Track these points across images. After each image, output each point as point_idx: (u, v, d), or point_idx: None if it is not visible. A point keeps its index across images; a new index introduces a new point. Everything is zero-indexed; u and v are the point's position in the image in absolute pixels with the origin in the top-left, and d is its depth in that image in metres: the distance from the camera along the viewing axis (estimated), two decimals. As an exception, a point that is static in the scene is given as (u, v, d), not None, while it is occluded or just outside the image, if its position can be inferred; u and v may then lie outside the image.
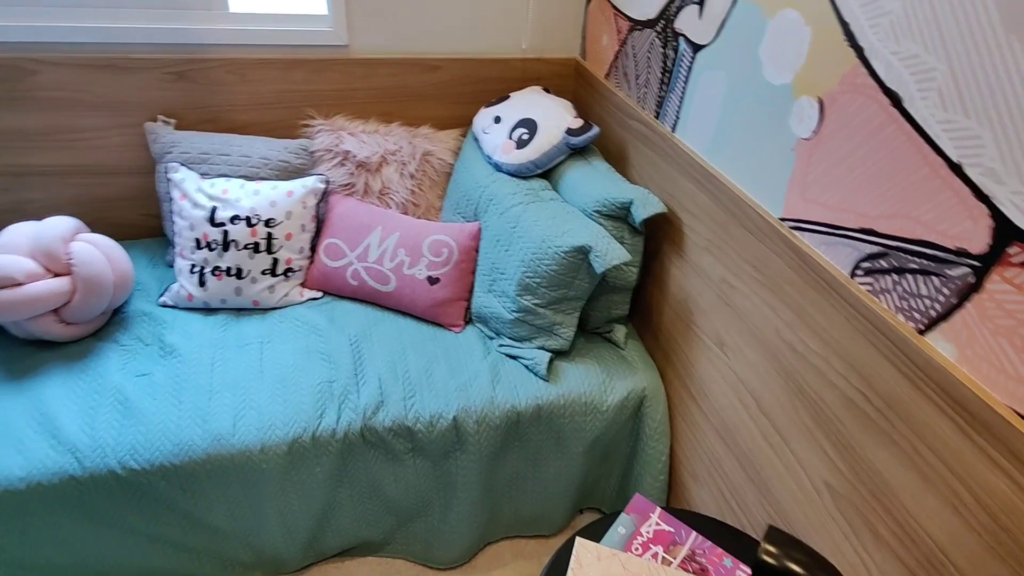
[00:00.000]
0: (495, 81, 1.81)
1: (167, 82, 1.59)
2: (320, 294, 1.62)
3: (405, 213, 1.72)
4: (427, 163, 1.74)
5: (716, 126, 1.24)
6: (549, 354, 1.41)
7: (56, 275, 1.33)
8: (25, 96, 1.51)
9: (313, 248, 1.62)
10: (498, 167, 1.59)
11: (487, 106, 1.72)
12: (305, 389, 1.31)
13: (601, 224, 1.39)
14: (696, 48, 1.28)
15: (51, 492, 1.12)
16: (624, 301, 1.49)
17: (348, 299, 1.61)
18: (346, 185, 1.69)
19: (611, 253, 1.28)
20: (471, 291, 1.58)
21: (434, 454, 1.33)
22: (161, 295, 1.54)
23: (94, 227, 1.74)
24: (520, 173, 1.55)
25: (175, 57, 1.56)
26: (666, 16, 1.38)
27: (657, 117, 1.46)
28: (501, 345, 1.48)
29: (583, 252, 1.32)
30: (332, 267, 1.59)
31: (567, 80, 1.88)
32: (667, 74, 1.40)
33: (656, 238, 1.48)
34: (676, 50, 1.35)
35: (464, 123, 1.85)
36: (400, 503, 1.39)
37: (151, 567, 1.29)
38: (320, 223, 1.64)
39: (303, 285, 1.61)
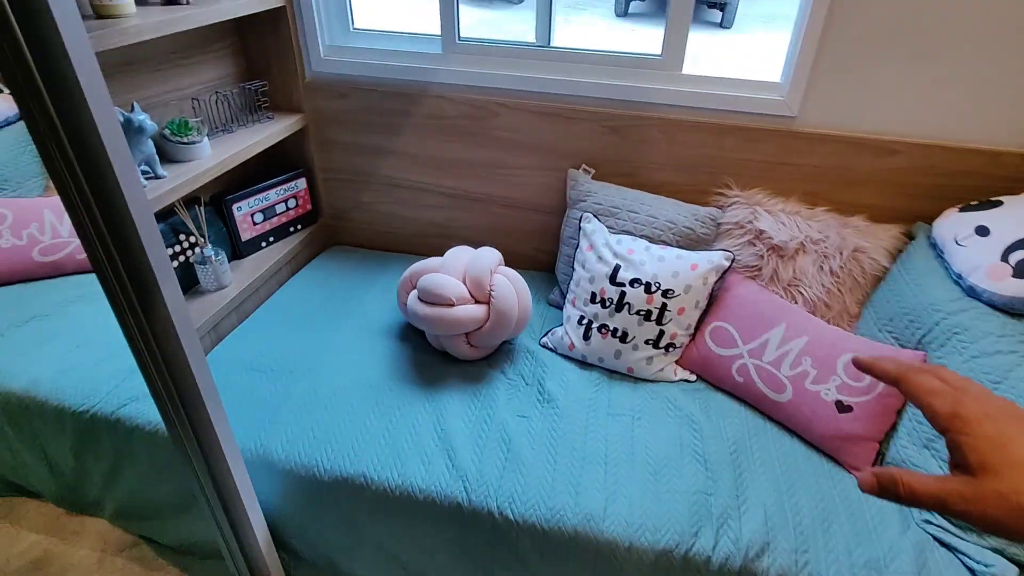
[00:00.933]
0: (971, 176, 1.44)
1: (599, 134, 1.63)
2: (694, 377, 1.48)
3: (812, 313, 1.48)
4: (855, 261, 1.46)
5: None
6: (1015, 568, 1.03)
7: (477, 302, 1.44)
8: (485, 133, 1.70)
9: (697, 327, 1.50)
10: (973, 292, 1.23)
11: (963, 208, 1.36)
12: (680, 493, 1.18)
13: None
14: None
15: (439, 510, 1.19)
16: None
17: (724, 392, 1.44)
18: (751, 267, 1.52)
19: None
20: (889, 434, 1.26)
21: (817, 632, 1.07)
22: (544, 335, 1.58)
23: (496, 252, 1.91)
24: (1012, 309, 1.17)
25: (615, 112, 1.59)
26: None
27: None
28: (928, 521, 1.14)
29: None
30: (717, 354, 1.43)
31: (1081, 187, 1.40)
32: None
33: None
34: None
35: (907, 219, 1.52)
36: (749, 662, 1.16)
37: (484, 603, 1.31)
38: (710, 301, 1.51)
39: (678, 363, 1.50)
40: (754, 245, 1.52)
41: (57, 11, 0.65)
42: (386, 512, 1.22)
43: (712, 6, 6.18)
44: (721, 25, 6.09)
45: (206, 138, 1.51)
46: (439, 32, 1.66)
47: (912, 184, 1.49)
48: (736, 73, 1.52)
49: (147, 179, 1.36)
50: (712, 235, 1.57)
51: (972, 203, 1.37)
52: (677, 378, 1.48)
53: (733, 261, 1.50)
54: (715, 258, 1.46)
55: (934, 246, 1.38)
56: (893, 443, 1.24)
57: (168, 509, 1.44)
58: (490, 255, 1.49)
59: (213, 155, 1.51)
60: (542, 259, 1.89)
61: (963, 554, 1.07)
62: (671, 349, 1.47)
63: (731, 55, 5.21)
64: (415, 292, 1.47)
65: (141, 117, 1.29)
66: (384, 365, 1.47)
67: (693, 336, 1.50)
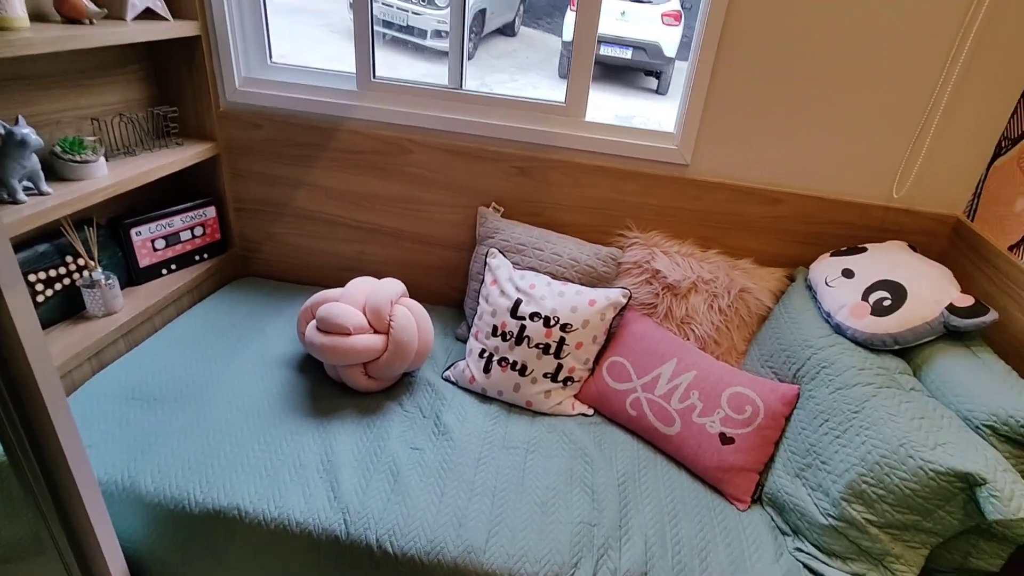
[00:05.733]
0: (844, 226, 1.56)
1: (508, 175, 1.69)
2: (591, 411, 1.50)
3: (703, 349, 1.54)
4: (741, 300, 1.54)
5: None
6: (874, 593, 1.06)
7: (376, 332, 1.43)
8: (397, 169, 1.73)
9: (596, 362, 1.53)
10: (839, 329, 1.32)
11: (834, 254, 1.47)
12: (563, 524, 1.17)
13: (993, 446, 1.02)
14: None
15: (316, 543, 1.14)
16: (998, 554, 1.07)
17: (619, 426, 1.46)
18: (647, 304, 1.58)
19: (1019, 498, 0.92)
20: (768, 465, 1.31)
21: (692, 665, 1.07)
22: (446, 369, 1.58)
23: (407, 288, 1.91)
24: (870, 344, 1.26)
25: (523, 154, 1.65)
26: None
27: (1106, 321, 1.06)
28: (799, 549, 1.17)
29: (967, 482, 0.97)
30: (612, 388, 1.46)
31: (937, 239, 1.54)
32: None
33: (1072, 484, 1.04)
34: None
35: (790, 263, 1.63)
36: None
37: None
38: (609, 337, 1.55)
39: (576, 397, 1.52)
40: (650, 284, 1.58)
41: None
42: (260, 546, 1.16)
43: (649, 74, 6.67)
44: (657, 91, 6.51)
45: (103, 158, 1.47)
46: (355, 71, 1.70)
47: (793, 231, 1.60)
48: (633, 122, 1.62)
49: (29, 195, 1.31)
50: (613, 274, 1.62)
51: (842, 249, 1.48)
52: (575, 412, 1.49)
53: (630, 298, 1.55)
54: (613, 295, 1.51)
55: (810, 288, 1.48)
56: (771, 473, 1.28)
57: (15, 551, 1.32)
58: (391, 286, 1.49)
59: (110, 176, 1.47)
60: (453, 295, 1.90)
61: (830, 581, 1.10)
62: (569, 383, 1.49)
63: (662, 118, 5.54)
64: (314, 322, 1.45)
65: (25, 131, 1.25)
66: (276, 396, 1.43)
67: (592, 371, 1.52)
